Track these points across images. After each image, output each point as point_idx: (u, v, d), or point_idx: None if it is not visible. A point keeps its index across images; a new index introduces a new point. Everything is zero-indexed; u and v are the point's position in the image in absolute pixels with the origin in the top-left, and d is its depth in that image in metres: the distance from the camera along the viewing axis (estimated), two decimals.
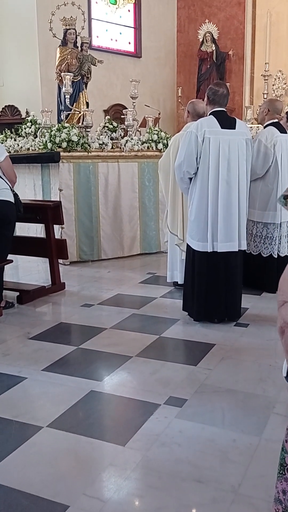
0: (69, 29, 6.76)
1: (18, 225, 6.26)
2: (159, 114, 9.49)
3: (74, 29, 6.80)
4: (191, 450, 2.11)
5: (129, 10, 11.13)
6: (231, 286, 3.61)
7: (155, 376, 2.81)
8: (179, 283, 4.46)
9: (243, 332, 3.49)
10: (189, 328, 3.59)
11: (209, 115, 3.51)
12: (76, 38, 6.88)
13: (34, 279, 5.00)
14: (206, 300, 3.60)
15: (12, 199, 3.88)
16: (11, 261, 4.10)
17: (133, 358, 3.05)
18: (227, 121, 3.47)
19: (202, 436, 2.22)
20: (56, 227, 4.97)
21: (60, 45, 6.86)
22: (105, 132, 6.35)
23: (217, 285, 3.58)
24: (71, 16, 6.77)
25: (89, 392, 2.63)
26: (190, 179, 3.57)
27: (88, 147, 5.69)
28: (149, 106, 9.30)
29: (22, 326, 3.68)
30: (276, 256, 4.35)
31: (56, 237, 4.83)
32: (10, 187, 3.90)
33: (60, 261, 5.16)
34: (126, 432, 2.26)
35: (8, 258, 4.05)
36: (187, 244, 3.69)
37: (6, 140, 6.70)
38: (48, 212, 4.54)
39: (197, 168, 3.48)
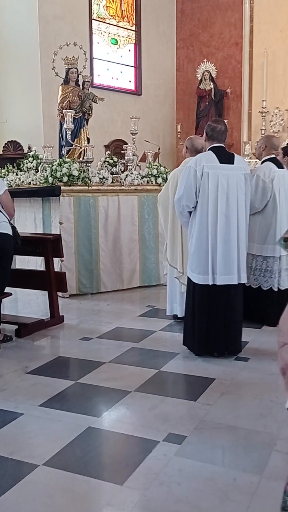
0: (71, 68, 6.96)
1: (18, 258, 6.33)
2: (159, 149, 9.68)
3: (76, 68, 7.01)
4: (190, 490, 2.06)
5: (129, 50, 11.52)
6: (231, 319, 3.60)
7: (154, 411, 2.77)
8: (178, 316, 4.44)
9: (244, 367, 3.45)
10: (189, 362, 3.55)
11: (208, 150, 3.58)
12: (78, 76, 7.08)
13: (33, 312, 4.98)
14: (206, 334, 3.58)
15: (10, 232, 3.92)
16: (10, 294, 4.11)
17: (132, 393, 3.01)
18: (225, 156, 3.54)
19: (202, 474, 2.17)
20: (55, 260, 4.99)
21: (62, 84, 7.05)
22: (105, 166, 6.46)
23: (217, 318, 3.56)
24: (73, 56, 6.99)
25: (87, 429, 2.58)
26: (190, 212, 3.61)
27: (89, 181, 5.78)
28: (149, 142, 9.50)
29: (20, 360, 3.64)
30: (276, 290, 4.35)
31: (55, 270, 4.85)
32: (8, 220, 3.95)
33: (59, 294, 5.16)
34: (124, 471, 2.21)
35: (7, 291, 4.06)
36: (188, 277, 3.70)
37: (8, 175, 6.81)
38: (48, 245, 4.57)
39: (196, 202, 3.52)
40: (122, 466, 2.25)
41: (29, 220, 6.31)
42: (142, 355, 3.72)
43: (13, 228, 3.98)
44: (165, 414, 2.74)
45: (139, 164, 6.80)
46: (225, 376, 3.28)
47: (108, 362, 3.56)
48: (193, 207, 3.56)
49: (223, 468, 2.22)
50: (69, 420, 2.68)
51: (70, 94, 6.95)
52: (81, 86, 7.14)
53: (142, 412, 2.77)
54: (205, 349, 3.62)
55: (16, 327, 4.28)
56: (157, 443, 2.43)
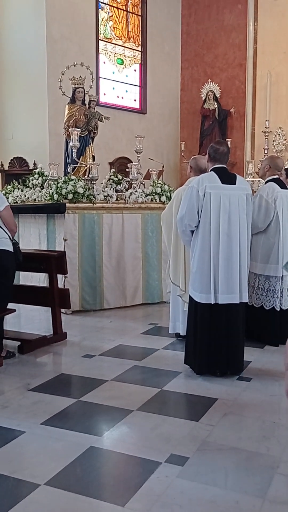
0: (78, 87, 7.07)
1: (22, 274, 6.35)
2: (163, 167, 9.77)
3: (83, 87, 7.11)
4: None
5: (135, 70, 11.71)
6: (233, 339, 3.59)
7: (156, 431, 2.75)
8: (181, 334, 4.43)
9: (246, 387, 3.44)
10: (191, 381, 3.54)
11: (210, 171, 3.62)
12: (84, 96, 7.19)
13: (35, 328, 4.98)
14: (208, 353, 3.57)
15: (11, 248, 3.89)
16: (14, 310, 4.11)
17: (134, 412, 3.00)
18: (227, 177, 3.58)
19: (205, 497, 2.15)
20: (59, 276, 5.00)
21: (69, 102, 7.16)
22: (110, 184, 6.51)
23: (219, 337, 3.56)
24: (80, 76, 7.10)
25: (89, 448, 2.57)
26: (192, 231, 3.64)
27: (93, 198, 5.82)
28: (153, 160, 9.59)
29: (22, 377, 3.64)
30: (278, 309, 4.35)
31: (59, 286, 4.85)
32: (9, 237, 3.92)
33: (63, 310, 5.16)
34: (125, 492, 2.19)
35: (10, 307, 4.06)
36: (190, 296, 3.70)
37: (13, 191, 6.86)
38: (52, 262, 4.59)
39: (199, 221, 3.55)
40: (124, 487, 2.24)
41: (33, 236, 6.35)
42: (144, 374, 3.71)
43: (14, 244, 3.95)
44: (167, 434, 2.72)
45: (143, 182, 6.86)
46: (228, 396, 3.26)
47: (110, 380, 3.54)
48: (195, 226, 3.59)
49: (225, 490, 2.20)
50: (71, 439, 2.66)
51: (77, 113, 7.05)
52: (87, 105, 7.25)
53: (144, 432, 2.75)
54: (207, 368, 3.61)
55: (18, 343, 4.27)
56: (159, 464, 2.42)
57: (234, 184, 3.57)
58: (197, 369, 3.64)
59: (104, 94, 11.00)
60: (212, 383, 3.49)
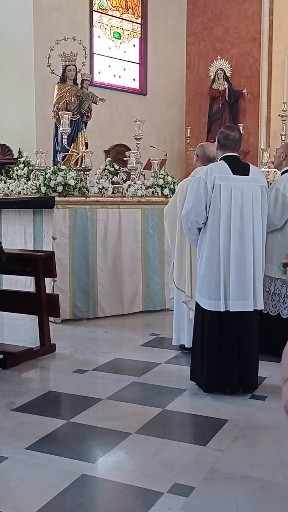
0: (69, 65, 7.09)
1: (5, 277, 6.35)
2: (166, 156, 9.76)
3: (74, 65, 7.13)
4: None
5: (134, 45, 11.71)
6: (246, 351, 3.59)
7: (157, 457, 2.75)
8: (186, 346, 4.44)
9: (260, 406, 3.43)
10: (198, 400, 3.54)
11: (220, 160, 3.62)
12: (76, 74, 7.20)
13: (20, 339, 4.98)
14: (218, 367, 3.58)
15: None
16: None
17: (132, 435, 3.00)
18: (239, 167, 3.58)
19: None
20: (47, 280, 5.01)
21: (58, 82, 7.17)
22: (105, 175, 6.51)
23: (230, 350, 3.56)
24: (71, 52, 7.11)
25: (80, 476, 2.57)
26: (199, 229, 3.64)
27: (86, 191, 5.83)
28: (154, 147, 9.59)
29: (4, 395, 3.63)
30: None
31: (47, 291, 4.86)
32: None
33: (51, 319, 5.16)
34: None
35: None
36: (196, 302, 3.70)
37: None
38: (39, 264, 4.60)
39: (207, 217, 3.55)
40: None
41: (18, 234, 6.35)
42: (144, 391, 3.71)
43: None
44: (170, 460, 2.72)
45: (143, 173, 6.86)
46: (239, 417, 3.26)
47: (106, 399, 3.54)
48: (202, 223, 3.59)
49: None
50: (60, 466, 2.66)
51: (67, 93, 7.06)
52: (79, 85, 7.26)
53: (144, 458, 2.75)
54: (216, 385, 3.61)
55: (1, 356, 4.27)
56: (161, 494, 2.41)
57: (247, 175, 3.57)
58: (204, 386, 3.64)
59: (99, 72, 11.01)
60: (222, 402, 3.49)
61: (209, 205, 3.52)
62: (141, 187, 6.24)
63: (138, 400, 3.55)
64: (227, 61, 11.43)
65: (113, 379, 3.93)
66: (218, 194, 3.50)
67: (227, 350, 3.56)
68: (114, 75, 11.36)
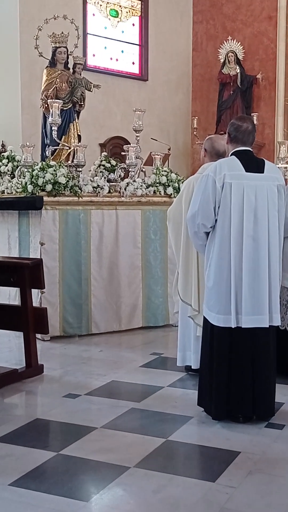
0: (59, 47, 7.13)
1: None
2: (169, 150, 9.82)
3: (66, 47, 7.17)
4: None
5: (133, 24, 11.80)
6: (260, 373, 3.59)
7: (160, 495, 2.75)
8: (193, 367, 4.44)
9: (278, 436, 3.43)
10: (206, 429, 3.53)
11: (231, 155, 3.63)
12: (68, 57, 7.24)
13: (3, 359, 4.97)
14: (228, 392, 3.57)
15: None
16: None
17: (131, 469, 2.99)
18: (253, 163, 3.59)
19: None
20: (34, 291, 5.02)
21: (47, 66, 7.20)
22: (100, 172, 6.54)
23: (243, 372, 3.56)
24: (62, 32, 7.15)
25: None
26: (207, 234, 3.64)
27: (79, 190, 5.84)
28: (156, 140, 9.64)
29: None
30: None
31: (34, 304, 4.86)
32: None
33: (38, 336, 5.16)
34: None
35: None
36: (204, 317, 3.71)
37: None
38: (25, 273, 4.60)
39: (215, 220, 3.56)
40: None
41: (1, 239, 6.37)
42: (145, 419, 3.71)
43: None
44: (174, 498, 2.72)
45: (143, 169, 6.89)
46: (253, 449, 3.25)
47: (101, 428, 3.54)
48: (211, 227, 3.59)
49: None
50: (49, 505, 2.65)
51: (57, 79, 7.10)
52: (71, 70, 7.30)
53: (145, 496, 2.74)
54: (226, 412, 3.60)
55: None
56: None
57: (262, 172, 3.58)
58: (213, 413, 3.63)
59: (94, 55, 11.08)
60: (233, 431, 3.48)
61: (218, 207, 3.53)
62: (141, 186, 6.26)
63: (138, 429, 3.54)
64: (239, 43, 11.50)
65: (109, 405, 3.93)
66: (228, 194, 3.51)
67: (239, 372, 3.55)
68: (111, 58, 11.45)
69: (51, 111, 6.40)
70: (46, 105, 6.85)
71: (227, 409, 3.60)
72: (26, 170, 6.07)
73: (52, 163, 5.98)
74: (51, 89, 7.04)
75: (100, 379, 4.48)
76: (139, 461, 3.08)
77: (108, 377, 4.54)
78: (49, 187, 5.70)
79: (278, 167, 5.11)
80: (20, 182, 6.08)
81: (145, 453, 3.17)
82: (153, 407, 3.90)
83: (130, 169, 6.44)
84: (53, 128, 6.47)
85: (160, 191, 6.39)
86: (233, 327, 3.52)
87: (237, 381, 3.56)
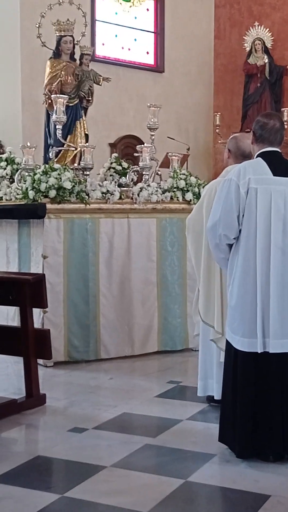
0: (65, 36, 7.18)
1: None
2: (188, 150, 9.84)
3: (72, 35, 7.22)
4: None
5: (147, 9, 11.87)
6: None
7: None
8: (215, 398, 4.42)
9: None
10: (230, 469, 3.51)
11: (256, 157, 3.65)
12: (74, 48, 7.29)
13: (1, 387, 4.99)
14: (255, 425, 3.55)
15: None
16: None
17: None
18: (281, 166, 3.60)
19: None
20: (36, 311, 5.03)
21: (51, 57, 7.25)
22: (110, 176, 6.56)
23: (271, 403, 3.54)
24: (68, 19, 7.21)
25: None
26: (230, 246, 3.65)
27: (86, 197, 5.87)
28: (174, 139, 9.67)
29: None
30: None
31: (35, 325, 4.88)
32: None
33: (40, 361, 5.17)
34: None
35: None
36: (227, 340, 3.70)
37: None
38: (25, 290, 4.63)
39: (239, 231, 3.56)
40: None
41: None
42: (161, 457, 3.69)
43: None
44: None
45: (159, 172, 6.90)
46: (285, 492, 3.23)
47: (110, 467, 3.53)
48: (234, 238, 3.60)
49: None
50: None
51: (63, 72, 7.14)
52: (77, 61, 7.34)
53: None
54: (253, 449, 3.58)
55: None
56: None
57: None
58: (238, 451, 3.61)
59: (103, 44, 11.16)
60: (262, 471, 3.46)
61: (243, 215, 3.53)
62: (157, 191, 6.27)
63: (153, 468, 3.53)
64: (267, 29, 11.54)
65: (120, 441, 3.92)
66: (253, 201, 3.51)
67: (266, 403, 3.54)
68: (122, 48, 11.52)
69: (55, 108, 6.45)
70: (50, 101, 6.89)
71: (254, 445, 3.58)
72: (27, 174, 6.10)
73: (56, 166, 6.00)
74: (55, 83, 7.07)
75: (110, 411, 4.47)
76: (154, 506, 3.06)
77: (119, 408, 4.53)
78: (52, 193, 5.73)
79: None
80: (20, 188, 6.12)
81: (161, 496, 3.16)
82: (170, 443, 3.88)
83: (144, 172, 6.46)
84: (57, 126, 6.50)
85: (178, 197, 6.40)
86: (259, 352, 3.51)
87: (265, 413, 3.54)
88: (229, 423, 3.67)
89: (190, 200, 6.39)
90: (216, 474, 3.47)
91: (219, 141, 10.89)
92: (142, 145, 6.69)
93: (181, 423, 4.24)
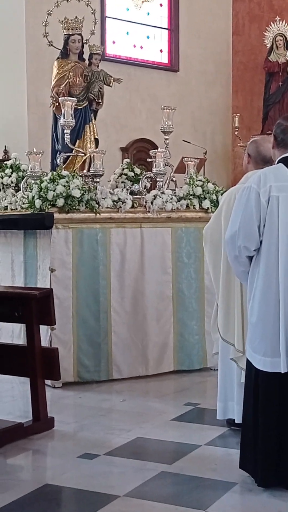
0: (73, 34, 7.22)
1: None
2: (205, 154, 9.84)
3: (80, 34, 7.26)
4: None
5: (161, 5, 11.92)
6: None
7: None
8: (236, 421, 4.41)
9: None
10: (252, 498, 3.49)
11: (278, 162, 3.65)
12: (83, 47, 7.33)
13: (5, 410, 4.99)
14: (279, 451, 3.53)
15: None
16: None
17: None
18: None
19: None
20: (43, 328, 5.04)
21: (58, 57, 7.30)
22: (122, 183, 6.58)
23: None
24: (76, 17, 7.25)
25: None
26: (250, 258, 3.64)
27: (97, 205, 5.88)
28: (190, 143, 9.69)
29: None
30: None
31: (43, 344, 4.89)
32: None
33: (48, 382, 5.17)
34: None
35: None
36: (247, 359, 3.69)
37: None
38: (31, 305, 4.63)
39: (260, 242, 3.56)
40: None
41: (3, 265, 6.43)
42: (178, 485, 3.69)
43: None
44: None
45: (174, 179, 6.91)
46: None
47: (124, 496, 3.52)
48: (255, 250, 3.59)
49: None
50: None
51: (71, 73, 7.19)
52: (86, 61, 7.38)
53: None
54: (276, 477, 3.56)
55: None
56: None
57: None
58: (260, 479, 3.59)
59: (114, 42, 11.23)
60: (286, 501, 3.43)
61: (264, 225, 3.53)
62: (172, 199, 6.27)
63: (169, 498, 3.51)
64: None
65: (134, 468, 3.91)
66: (275, 210, 3.51)
67: None
68: (134, 46, 11.57)
69: (63, 111, 6.47)
70: (57, 104, 6.92)
71: (277, 473, 3.55)
72: (33, 181, 6.13)
73: (64, 173, 6.02)
74: (63, 85, 7.11)
75: (122, 436, 4.47)
76: None
77: (133, 433, 4.52)
78: (60, 202, 5.75)
79: None
80: (26, 196, 6.14)
81: None
82: (188, 470, 3.87)
83: (157, 179, 6.46)
84: (65, 131, 6.53)
85: (194, 205, 6.40)
86: (282, 372, 3.49)
87: None
88: (250, 448, 3.64)
89: (208, 208, 6.39)
90: (237, 505, 3.46)
91: (239, 144, 10.85)
92: (156, 150, 6.70)
93: (199, 448, 4.23)
